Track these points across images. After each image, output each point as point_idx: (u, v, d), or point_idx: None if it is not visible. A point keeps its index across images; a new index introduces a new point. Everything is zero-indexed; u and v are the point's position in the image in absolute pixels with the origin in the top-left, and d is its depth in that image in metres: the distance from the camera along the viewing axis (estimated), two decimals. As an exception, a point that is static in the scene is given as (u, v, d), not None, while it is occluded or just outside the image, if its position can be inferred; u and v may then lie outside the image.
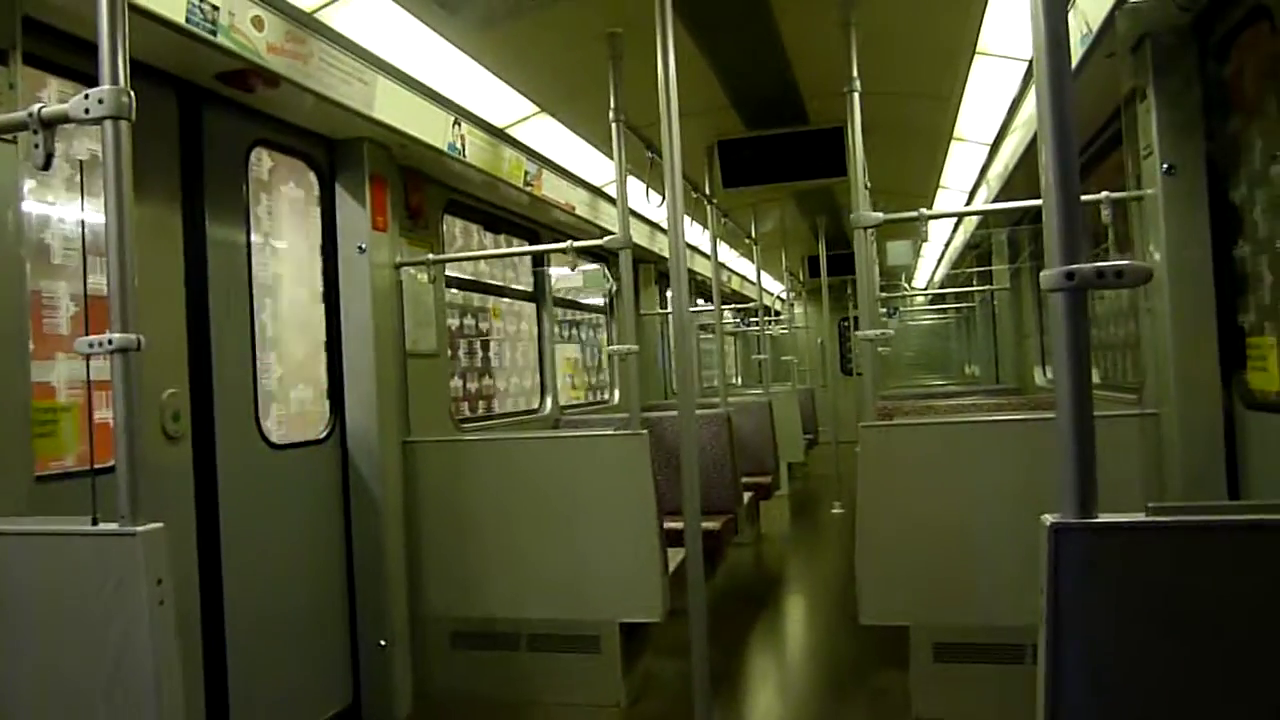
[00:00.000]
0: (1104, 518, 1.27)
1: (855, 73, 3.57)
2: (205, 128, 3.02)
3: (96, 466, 2.09)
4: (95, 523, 1.65)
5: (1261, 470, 2.78)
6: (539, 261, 5.68)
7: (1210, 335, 2.98)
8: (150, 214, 2.76)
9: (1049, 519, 1.28)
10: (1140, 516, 1.26)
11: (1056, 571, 1.27)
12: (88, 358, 1.67)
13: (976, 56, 3.98)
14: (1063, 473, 1.27)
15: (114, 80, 1.62)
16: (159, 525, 1.63)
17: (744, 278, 10.64)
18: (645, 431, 3.59)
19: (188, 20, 2.44)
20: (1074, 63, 3.11)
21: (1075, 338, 1.27)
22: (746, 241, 7.91)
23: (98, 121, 1.63)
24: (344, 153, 3.63)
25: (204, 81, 2.90)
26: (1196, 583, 1.23)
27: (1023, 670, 3.04)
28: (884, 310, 9.79)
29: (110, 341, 1.63)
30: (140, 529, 1.61)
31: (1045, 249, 1.32)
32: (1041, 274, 1.30)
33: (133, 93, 1.64)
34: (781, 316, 12.60)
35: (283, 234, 3.49)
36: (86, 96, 1.63)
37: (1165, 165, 2.98)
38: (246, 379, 3.18)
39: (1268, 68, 2.57)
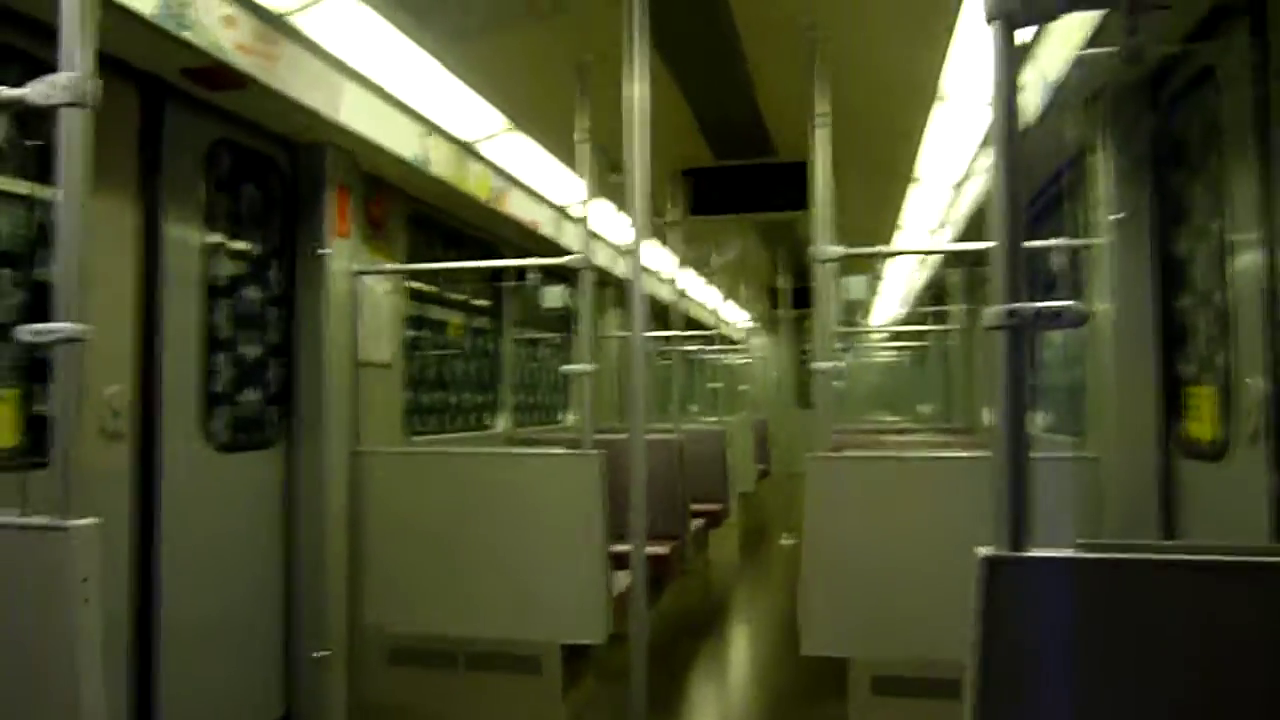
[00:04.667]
0: (1035, 552, 1.30)
1: (820, 107, 3.63)
2: (166, 123, 2.99)
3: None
4: (23, 513, 1.62)
5: (1194, 517, 2.85)
6: (499, 278, 5.67)
7: (1150, 384, 3.05)
8: (105, 207, 2.72)
9: (982, 551, 1.31)
10: (1070, 552, 1.29)
11: (988, 603, 1.29)
12: (31, 346, 1.64)
13: (938, 101, 4.07)
14: (997, 507, 1.30)
15: (78, 66, 1.60)
16: (92, 521, 1.60)
17: (703, 305, 10.71)
18: (597, 452, 3.59)
19: (157, 13, 2.42)
20: (1035, 112, 3.22)
21: (1013, 376, 1.31)
22: (708, 270, 7.97)
23: (57, 108, 1.60)
24: (308, 157, 3.60)
25: (169, 76, 2.87)
26: (1124, 618, 1.26)
27: (959, 706, 3.06)
28: (841, 346, 9.89)
29: (55, 331, 1.60)
30: (71, 523, 1.58)
31: (989, 289, 1.36)
32: (984, 311, 1.33)
33: (99, 80, 1.62)
34: (740, 346, 12.68)
35: (240, 235, 3.45)
36: (47, 82, 1.61)
37: (1114, 215, 3.07)
38: (195, 380, 3.13)
39: (1213, 126, 2.67)
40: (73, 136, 1.60)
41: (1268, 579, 1.24)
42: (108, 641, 2.69)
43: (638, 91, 2.84)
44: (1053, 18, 1.37)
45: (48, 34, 1.64)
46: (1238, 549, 1.24)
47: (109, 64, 2.68)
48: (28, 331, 1.60)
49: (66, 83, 1.58)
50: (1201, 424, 2.82)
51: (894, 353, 13.99)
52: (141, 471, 2.87)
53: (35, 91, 1.60)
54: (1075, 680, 1.26)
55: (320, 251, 3.58)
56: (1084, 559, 1.25)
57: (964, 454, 3.84)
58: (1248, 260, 2.42)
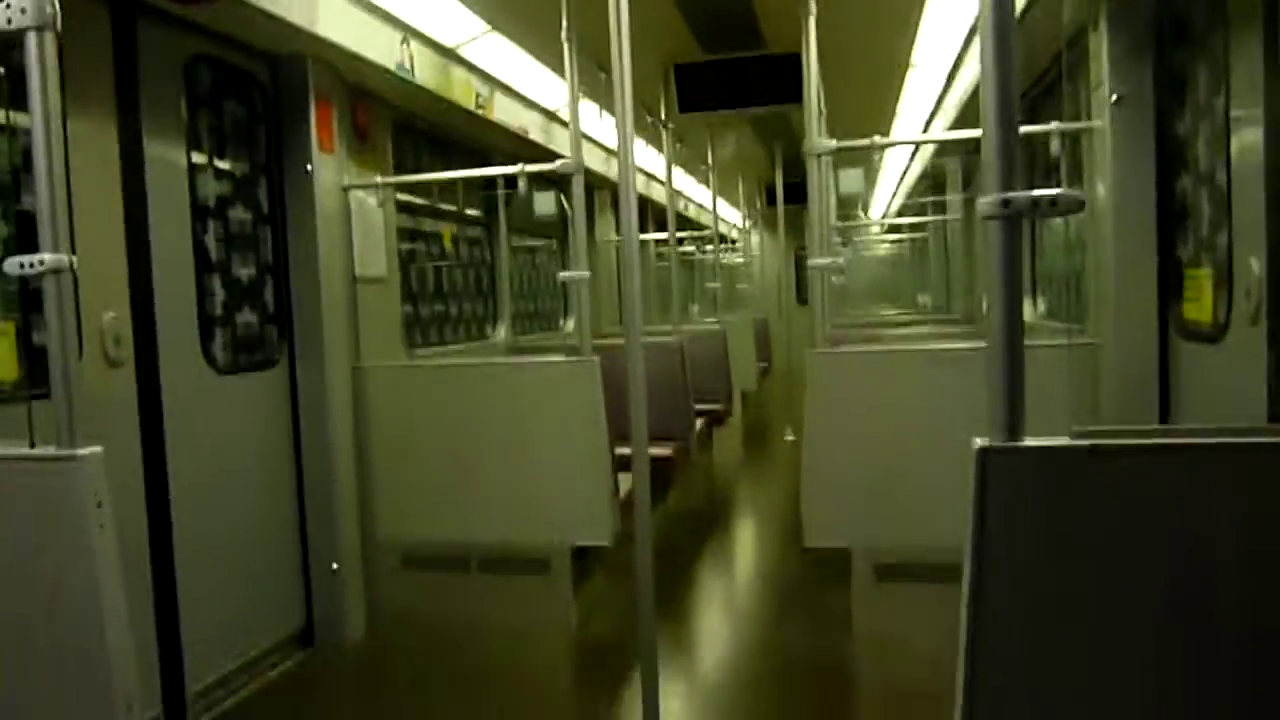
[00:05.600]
0: (1030, 441, 1.31)
1: (811, -3, 3.52)
2: (140, 41, 2.90)
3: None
4: (33, 446, 1.63)
5: (1192, 399, 2.87)
6: (490, 186, 5.60)
7: (1150, 267, 3.04)
8: (84, 131, 2.67)
9: (978, 442, 1.32)
10: (1065, 440, 1.30)
11: (983, 493, 1.31)
12: (22, 280, 1.62)
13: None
14: (992, 398, 1.31)
15: (37, -12, 1.55)
16: (98, 449, 1.62)
17: (700, 205, 10.59)
18: (596, 358, 3.60)
19: (118, -74, 2.33)
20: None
21: (1008, 265, 1.29)
22: (703, 168, 7.86)
23: (20, 32, 1.56)
24: (288, 71, 3.51)
25: (137, -8, 2.78)
26: (1118, 504, 1.28)
27: (960, 589, 3.14)
28: (839, 240, 9.82)
29: (41, 263, 1.58)
30: (80, 451, 1.60)
31: (982, 176, 1.33)
32: (978, 201, 1.31)
33: (57, 2, 1.57)
34: (738, 245, 12.59)
35: (225, 153, 3.39)
36: (7, 6, 1.56)
37: (1114, 97, 3.01)
38: (190, 302, 3.12)
39: (1216, 2, 2.59)
40: (39, 61, 1.55)
41: (1261, 460, 1.25)
42: (128, 566, 2.76)
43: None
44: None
45: None
46: (1230, 430, 1.25)
47: (72, -20, 2.59)
48: (14, 264, 1.59)
49: (27, 6, 1.53)
50: (1200, 306, 2.81)
51: (893, 245, 13.90)
52: (145, 396, 2.88)
53: (-4, 16, 1.55)
54: (1069, 567, 1.29)
55: (307, 167, 3.52)
56: (1077, 447, 1.26)
57: (962, 345, 3.84)
58: (1249, 137, 2.37)
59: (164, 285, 2.96)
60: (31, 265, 1.58)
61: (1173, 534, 1.27)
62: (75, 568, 1.61)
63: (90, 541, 1.60)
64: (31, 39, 1.55)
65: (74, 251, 1.62)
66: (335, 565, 3.62)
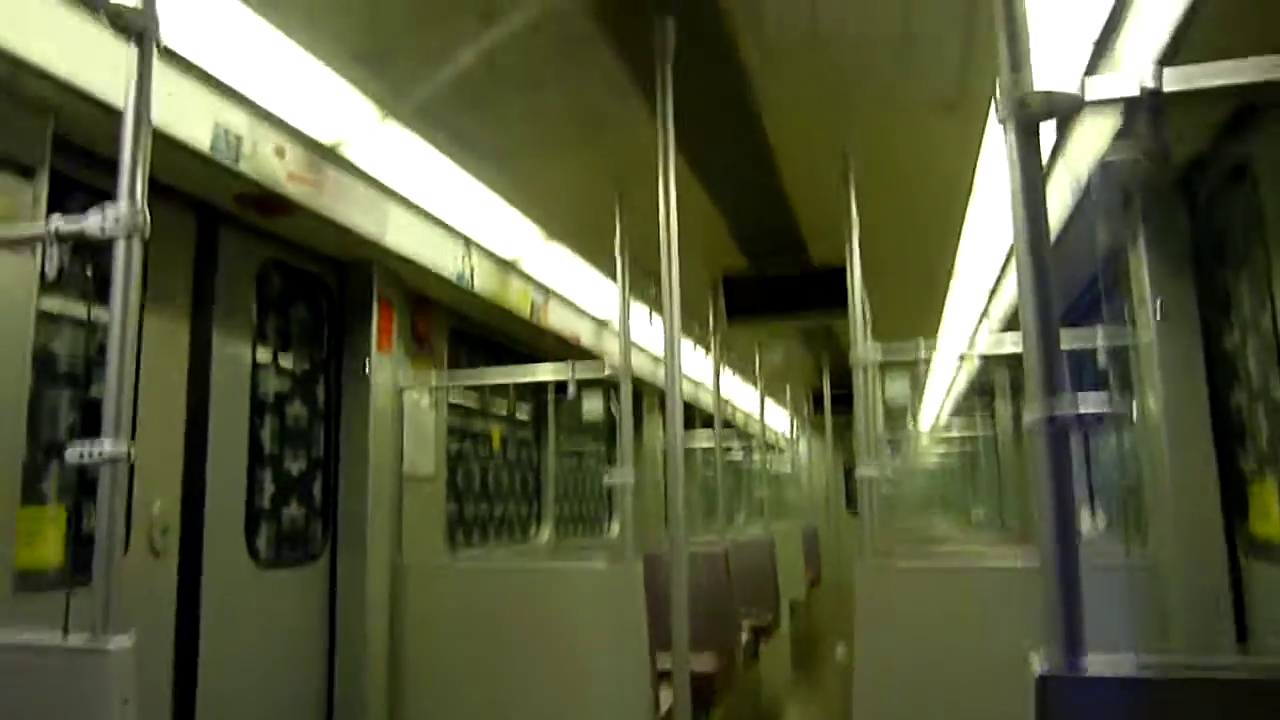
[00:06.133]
0: (1092, 670, 1.23)
1: (854, 215, 3.68)
2: (221, 247, 3.11)
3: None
4: (66, 635, 1.62)
5: (1268, 623, 2.70)
6: (540, 388, 5.71)
7: (1211, 481, 2.95)
8: (159, 327, 2.82)
9: (1036, 669, 1.25)
10: (1131, 670, 1.23)
11: (1044, 724, 1.23)
12: (80, 467, 1.66)
13: (973, 197, 4.10)
14: (1047, 621, 1.25)
15: (131, 198, 1.68)
16: (128, 645, 1.60)
17: (748, 413, 10.66)
18: (639, 564, 3.53)
19: (212, 149, 2.55)
20: (1067, 210, 3.22)
21: (1057, 480, 1.27)
22: (751, 375, 7.97)
23: (112, 239, 1.68)
24: (353, 275, 3.71)
25: (223, 204, 3.00)
26: (1190, 740, 1.19)
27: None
28: (888, 449, 9.74)
29: (101, 452, 1.63)
30: (111, 647, 1.58)
31: (1026, 392, 1.33)
32: (1024, 418, 1.30)
33: (148, 211, 1.69)
34: (785, 453, 12.54)
35: (288, 351, 3.53)
36: (103, 214, 1.68)
37: (1158, 314, 3.03)
38: (239, 495, 3.16)
39: (1251, 221, 2.64)
40: (125, 264, 1.66)
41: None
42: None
43: (672, 204, 2.90)
44: (1066, 118, 1.37)
45: (102, 164, 1.72)
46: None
47: (167, 192, 2.82)
48: (74, 452, 1.63)
49: (122, 215, 1.66)
50: (1268, 522, 2.70)
51: (943, 455, 13.73)
52: (185, 587, 2.87)
53: (92, 223, 1.68)
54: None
55: (365, 366, 3.65)
56: (1145, 678, 1.19)
57: (1018, 564, 3.71)
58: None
59: (216, 478, 3.01)
60: (92, 454, 1.62)
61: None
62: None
63: (112, 740, 1.55)
64: (121, 245, 1.67)
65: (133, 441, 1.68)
66: (360, 774, 3.44)
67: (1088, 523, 4.84)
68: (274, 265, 3.43)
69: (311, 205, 2.98)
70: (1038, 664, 1.25)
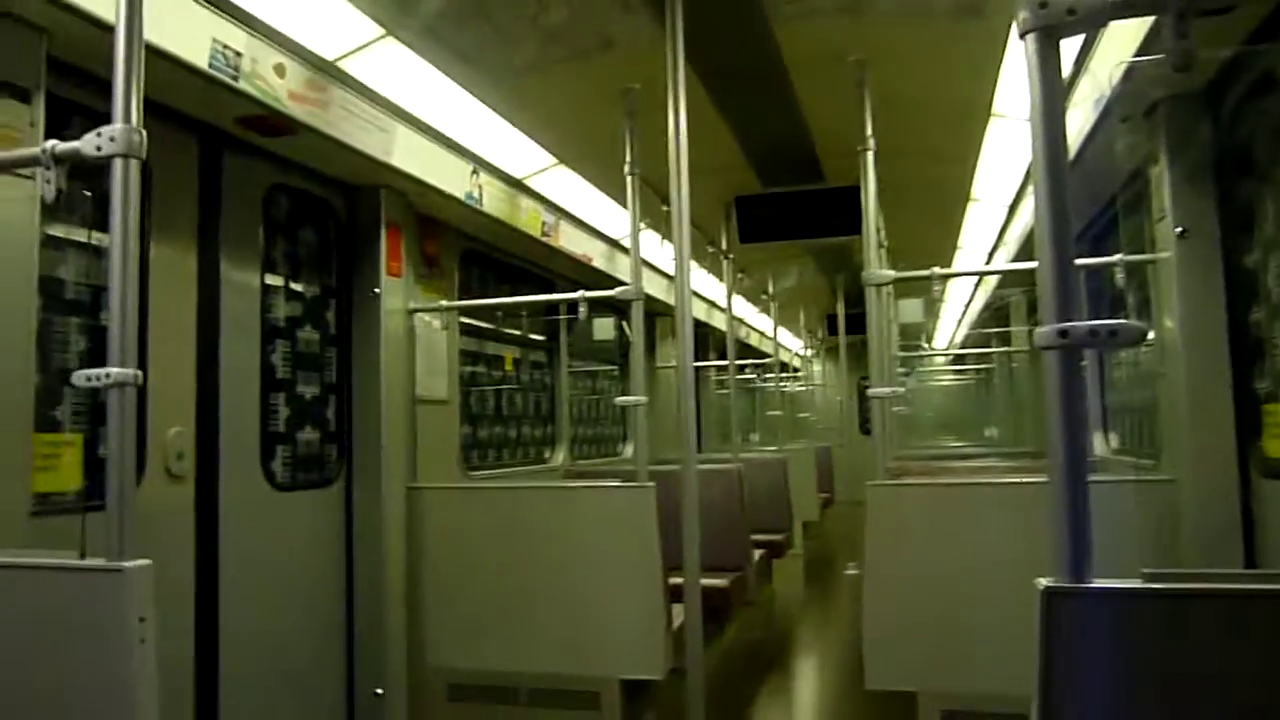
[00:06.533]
0: (1099, 583, 1.23)
1: (869, 132, 3.60)
2: (225, 170, 3.08)
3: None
4: (83, 557, 1.65)
5: (1278, 540, 2.71)
6: (553, 311, 5.71)
7: (1225, 401, 2.93)
8: (166, 253, 2.81)
9: (1043, 583, 1.25)
10: (1136, 583, 1.23)
11: (1049, 637, 1.23)
12: (94, 391, 1.67)
13: (992, 118, 4.00)
14: (1056, 536, 1.24)
15: (126, 118, 1.65)
16: (146, 562, 1.62)
17: (763, 334, 10.64)
18: (652, 484, 3.56)
19: (210, 65, 2.50)
20: (1090, 125, 3.14)
21: (1068, 397, 1.25)
22: (764, 298, 7.92)
23: (109, 159, 1.65)
24: (361, 198, 3.67)
25: (225, 125, 2.95)
26: (1193, 652, 1.19)
27: (1032, 742, 2.94)
28: (903, 370, 9.74)
29: (108, 375, 1.63)
30: (127, 565, 1.60)
31: (1039, 308, 1.31)
32: (1035, 331, 1.28)
33: (144, 131, 1.66)
34: (800, 374, 12.55)
35: (297, 276, 3.52)
36: (99, 134, 1.66)
37: (1178, 230, 2.97)
38: (254, 419, 3.19)
39: (1276, 134, 2.57)
40: (123, 186, 1.64)
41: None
42: (171, 679, 2.74)
43: (682, 119, 2.84)
44: (1091, 29, 1.32)
45: (103, 87, 1.69)
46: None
47: (168, 115, 2.78)
48: (81, 376, 1.64)
49: (117, 135, 1.63)
50: (1282, 443, 2.69)
51: (958, 376, 13.72)
52: (203, 511, 2.92)
53: (88, 144, 1.65)
54: (1143, 717, 1.19)
55: (375, 290, 3.64)
56: (1150, 590, 1.19)
57: (1029, 479, 3.72)
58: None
59: (230, 403, 3.03)
60: (98, 378, 1.63)
61: (1251, 684, 1.17)
62: (112, 681, 1.59)
63: (130, 657, 1.58)
64: (118, 166, 1.64)
65: (144, 368, 1.68)
66: (379, 690, 3.54)
67: (1100, 444, 4.83)
68: (280, 189, 3.39)
69: (315, 125, 2.93)
70: (1044, 578, 1.25)
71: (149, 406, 2.66)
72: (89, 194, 2.42)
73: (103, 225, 1.69)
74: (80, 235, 2.56)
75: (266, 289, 3.32)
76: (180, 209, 2.92)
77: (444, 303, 4.08)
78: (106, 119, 1.68)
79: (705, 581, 3.16)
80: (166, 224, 2.82)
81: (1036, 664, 1.24)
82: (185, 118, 2.87)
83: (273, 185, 3.34)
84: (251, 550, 3.09)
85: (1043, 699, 1.22)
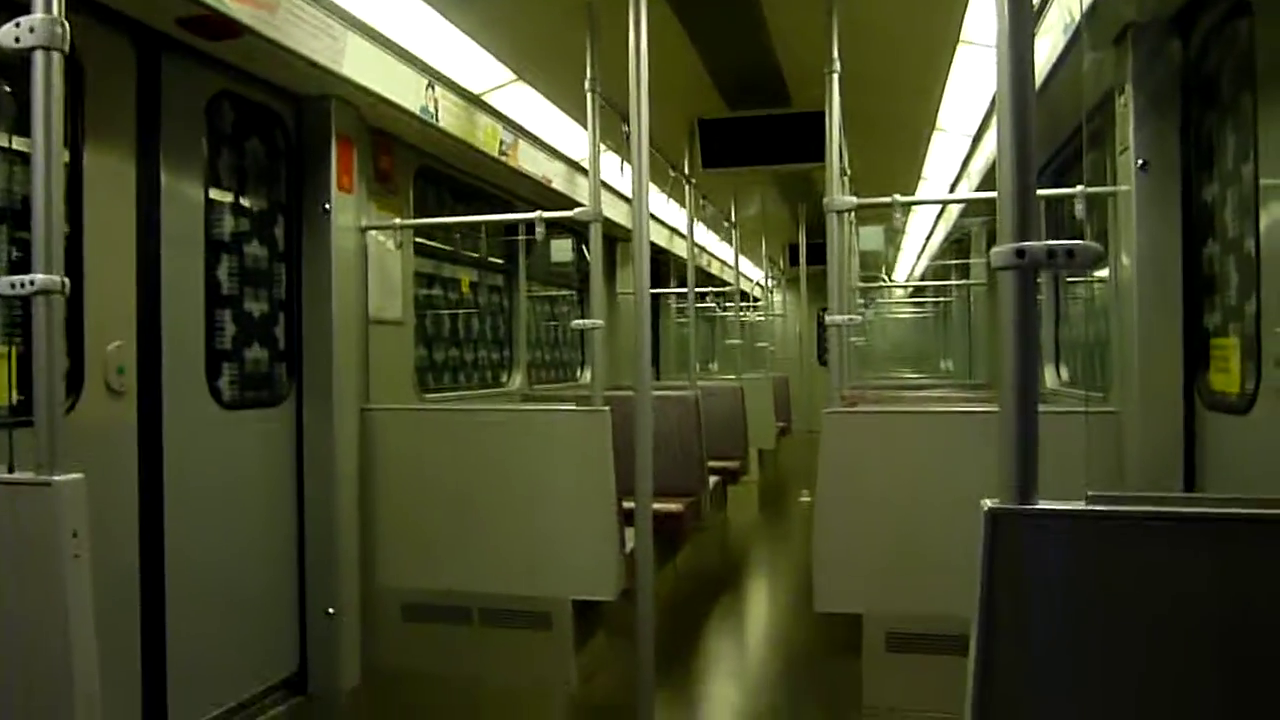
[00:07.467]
0: (1042, 505, 1.24)
1: (836, 55, 3.52)
2: (164, 75, 2.93)
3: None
4: (11, 470, 1.59)
5: (1218, 472, 2.77)
6: (511, 233, 5.61)
7: (1175, 335, 2.96)
8: (101, 162, 2.68)
9: (988, 504, 1.25)
10: (1079, 505, 1.23)
11: (991, 558, 1.24)
12: (22, 300, 1.60)
13: (960, 46, 3.94)
14: (1002, 457, 1.24)
15: (47, 8, 1.55)
16: (78, 476, 1.58)
17: (724, 262, 10.61)
18: (607, 408, 3.54)
19: (147, -41, 2.36)
20: (1057, 53, 3.09)
21: (1023, 319, 1.24)
22: (726, 225, 7.87)
23: (28, 51, 1.55)
24: (311, 110, 3.54)
25: (164, 27, 2.80)
26: (1133, 573, 1.21)
27: (973, 662, 3.02)
28: (861, 301, 9.79)
29: (33, 283, 1.56)
30: (57, 478, 1.55)
31: (998, 228, 1.28)
32: (992, 251, 1.26)
33: (67, 23, 1.56)
34: (760, 303, 12.57)
35: (243, 190, 3.40)
36: (17, 24, 1.55)
37: (1140, 161, 2.96)
38: (198, 336, 3.10)
39: (1244, 65, 2.54)
40: (45, 80, 1.54)
41: (1288, 532, 1.17)
42: (116, 598, 2.70)
43: (643, 35, 2.75)
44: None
45: None
46: (1256, 501, 1.17)
47: (102, 14, 2.63)
48: (4, 284, 1.56)
49: (37, 25, 1.53)
50: (1228, 375, 2.73)
51: (917, 308, 13.84)
52: (146, 428, 2.85)
53: (5, 35, 1.55)
54: (1082, 639, 1.21)
55: (325, 206, 3.53)
56: (1091, 512, 1.19)
57: (979, 408, 3.76)
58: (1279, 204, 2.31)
59: (172, 317, 2.94)
60: (23, 285, 1.56)
61: (1191, 604, 1.18)
62: (46, 598, 1.56)
63: (63, 572, 1.54)
64: (39, 59, 1.55)
65: (79, 279, 1.60)
66: (331, 609, 3.54)
67: (1051, 377, 4.90)
68: (225, 97, 3.25)
69: (260, 30, 2.79)
70: (990, 501, 1.25)
71: (85, 319, 2.57)
72: (12, 92, 2.30)
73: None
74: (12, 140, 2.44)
75: (210, 202, 3.20)
76: (117, 116, 2.78)
77: (398, 220, 3.98)
78: (27, 9, 1.58)
79: (659, 506, 3.17)
80: (102, 131, 2.68)
81: (979, 584, 1.25)
82: (120, 16, 2.71)
83: (216, 93, 3.19)
84: (198, 468, 3.04)
85: (984, 618, 1.23)
